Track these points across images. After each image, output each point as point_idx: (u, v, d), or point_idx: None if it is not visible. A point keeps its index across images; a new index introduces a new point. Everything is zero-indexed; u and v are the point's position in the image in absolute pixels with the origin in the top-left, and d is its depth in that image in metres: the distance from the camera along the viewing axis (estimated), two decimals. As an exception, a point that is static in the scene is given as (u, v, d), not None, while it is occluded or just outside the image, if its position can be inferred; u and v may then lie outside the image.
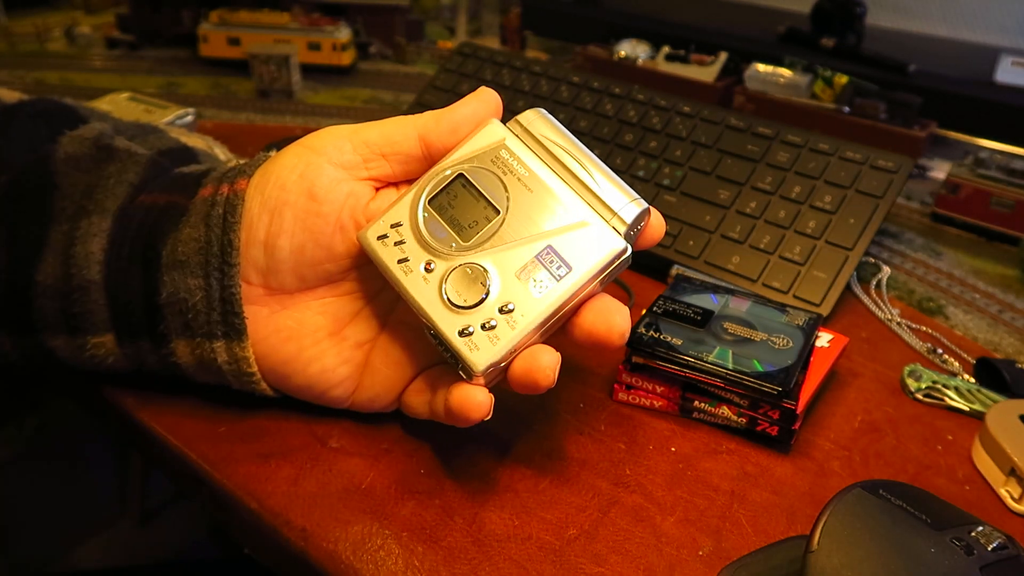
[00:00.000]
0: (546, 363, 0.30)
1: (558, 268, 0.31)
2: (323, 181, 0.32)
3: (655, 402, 0.39)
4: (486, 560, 0.30)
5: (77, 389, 0.40)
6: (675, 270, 0.51)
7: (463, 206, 0.32)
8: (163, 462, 0.36)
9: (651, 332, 0.39)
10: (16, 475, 1.10)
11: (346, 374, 0.34)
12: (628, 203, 0.31)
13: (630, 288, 0.50)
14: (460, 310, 0.30)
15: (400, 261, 0.32)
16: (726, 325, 0.40)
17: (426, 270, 0.31)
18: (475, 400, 0.30)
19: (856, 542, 0.26)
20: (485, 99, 0.34)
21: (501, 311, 0.30)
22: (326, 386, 0.34)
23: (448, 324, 0.30)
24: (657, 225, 0.33)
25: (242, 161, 0.35)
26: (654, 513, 0.33)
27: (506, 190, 0.32)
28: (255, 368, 0.33)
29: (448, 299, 0.31)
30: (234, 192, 0.33)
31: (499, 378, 0.31)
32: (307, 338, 0.34)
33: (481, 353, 0.30)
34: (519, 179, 0.32)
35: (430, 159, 0.33)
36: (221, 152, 0.44)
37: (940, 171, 0.74)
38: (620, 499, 0.34)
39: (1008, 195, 0.61)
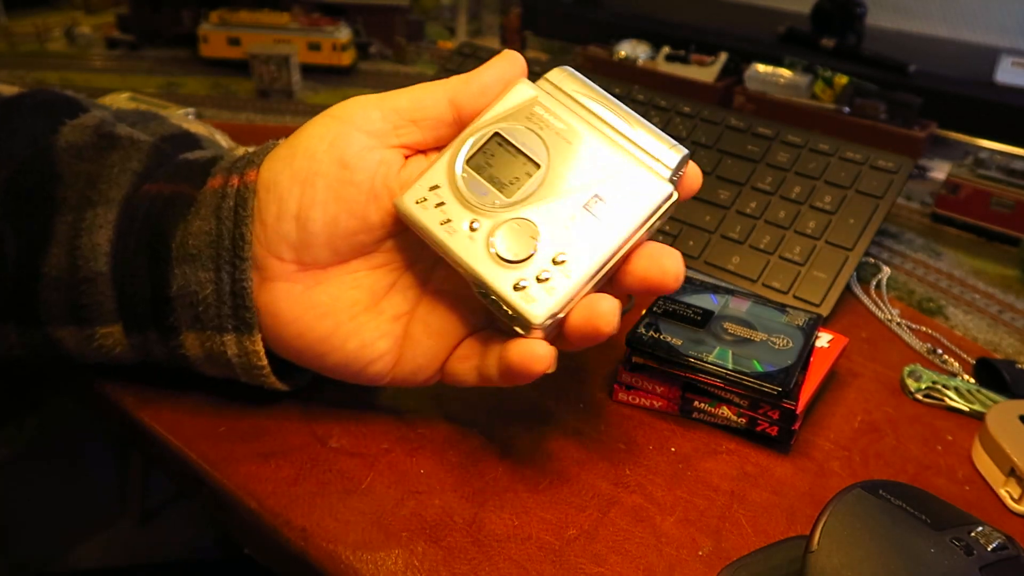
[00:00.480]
0: (606, 309, 0.30)
1: (608, 216, 0.30)
2: (354, 149, 0.32)
3: (655, 402, 0.39)
4: (486, 560, 0.30)
5: (77, 389, 0.40)
6: (675, 270, 0.51)
7: (502, 164, 0.32)
8: (163, 462, 0.36)
9: (651, 332, 0.39)
10: (16, 475, 1.10)
11: (385, 348, 0.34)
12: (668, 150, 0.31)
13: (630, 288, 0.50)
14: (512, 264, 0.30)
15: (443, 223, 0.31)
16: (726, 325, 0.40)
17: (470, 229, 0.31)
18: (537, 353, 0.30)
19: (856, 542, 0.26)
20: (511, 60, 0.33)
21: (554, 262, 0.30)
22: (365, 362, 0.34)
23: (501, 280, 0.30)
24: (694, 175, 0.33)
25: (250, 149, 0.35)
26: (654, 513, 0.33)
27: (545, 144, 0.32)
28: (265, 362, 0.33)
29: (498, 255, 0.30)
30: (244, 184, 0.32)
31: (554, 333, 0.31)
32: (343, 313, 0.33)
33: (539, 304, 0.30)
34: (556, 133, 0.32)
35: (460, 123, 0.33)
36: (223, 139, 0.44)
37: (940, 171, 0.74)
38: (620, 499, 0.34)
39: (1008, 195, 0.61)
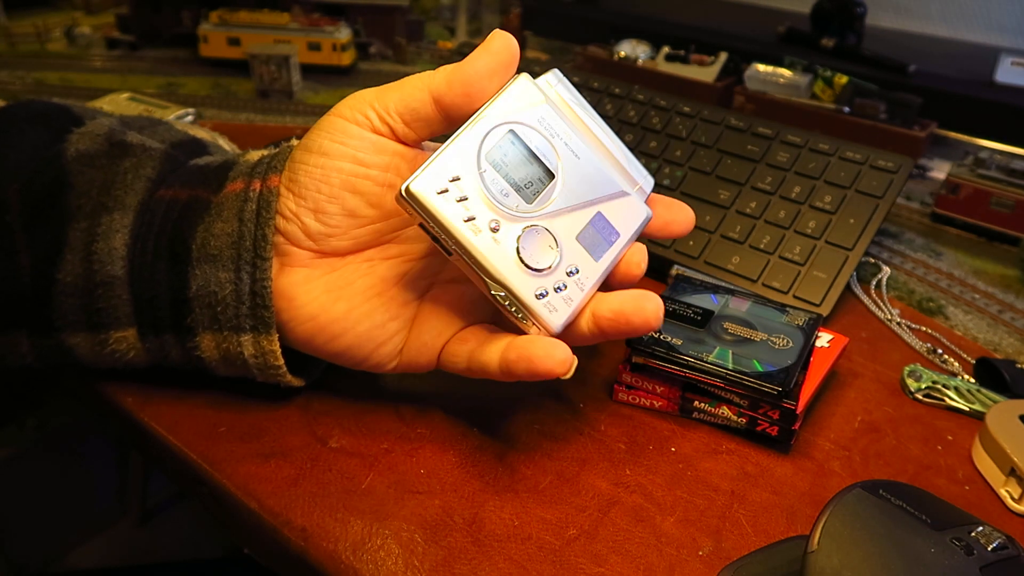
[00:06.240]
0: (654, 306, 0.32)
1: (609, 234, 0.34)
2: (366, 144, 0.32)
3: (655, 402, 0.39)
4: (486, 560, 0.30)
5: (78, 389, 0.40)
6: (675, 270, 0.51)
7: (517, 165, 0.32)
8: (163, 462, 0.36)
9: (651, 332, 0.39)
10: (16, 474, 1.10)
11: (395, 330, 0.35)
12: (646, 176, 0.35)
13: (630, 288, 0.50)
14: (535, 273, 0.32)
15: (467, 220, 0.31)
16: (726, 325, 0.40)
17: (491, 230, 0.31)
18: (558, 357, 0.31)
19: (856, 542, 0.26)
20: (496, 50, 0.32)
21: (568, 274, 0.32)
22: (375, 344, 0.34)
23: (525, 287, 0.31)
24: (687, 219, 0.37)
25: (263, 152, 0.35)
26: (654, 513, 0.33)
27: (556, 154, 0.33)
28: (281, 361, 0.34)
29: (525, 262, 0.32)
30: (267, 188, 0.33)
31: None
32: (357, 296, 0.34)
33: (559, 315, 0.32)
34: (566, 144, 0.34)
35: (449, 120, 0.33)
36: (224, 142, 0.44)
37: (940, 171, 0.74)
38: (620, 499, 0.34)
39: (1008, 195, 0.61)
